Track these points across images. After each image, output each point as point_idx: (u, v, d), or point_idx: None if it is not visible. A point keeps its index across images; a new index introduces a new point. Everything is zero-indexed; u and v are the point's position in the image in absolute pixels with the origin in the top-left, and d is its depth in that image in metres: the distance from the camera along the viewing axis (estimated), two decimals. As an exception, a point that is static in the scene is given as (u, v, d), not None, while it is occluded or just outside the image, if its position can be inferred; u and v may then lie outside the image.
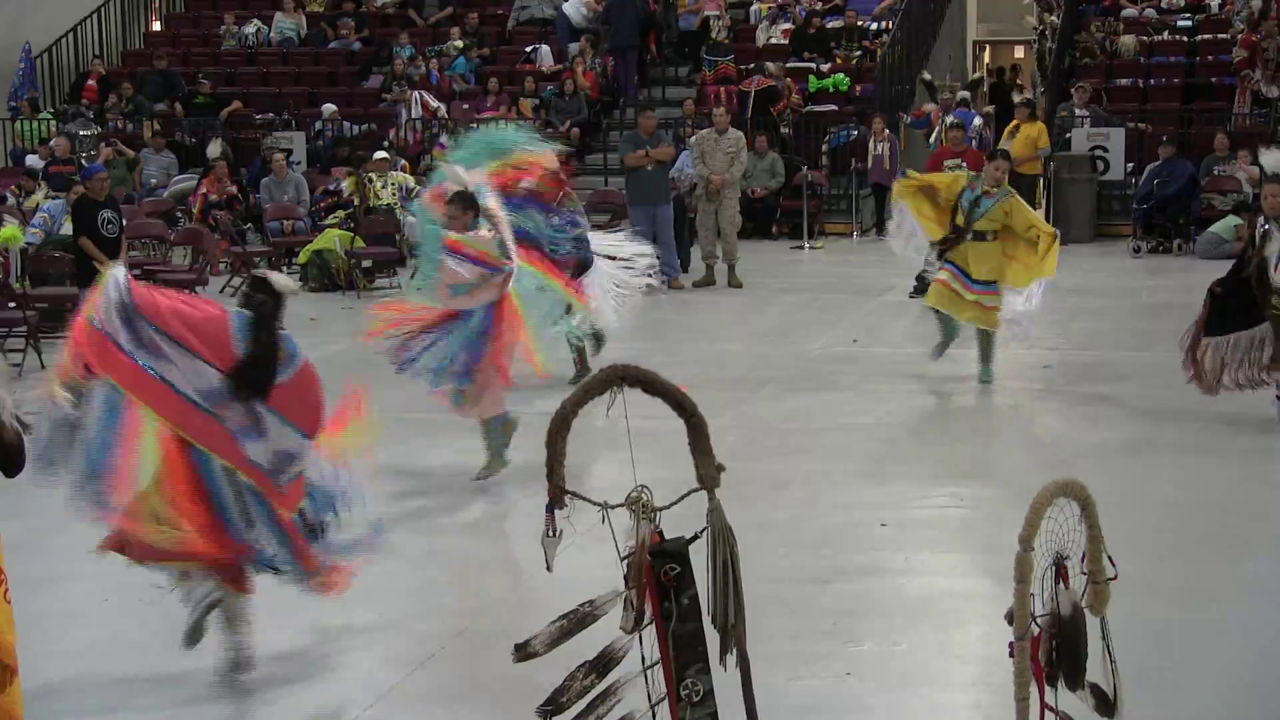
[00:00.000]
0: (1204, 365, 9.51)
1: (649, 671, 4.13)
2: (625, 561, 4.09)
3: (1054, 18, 22.99)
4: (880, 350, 12.01)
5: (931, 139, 19.18)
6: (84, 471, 5.26)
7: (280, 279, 5.77)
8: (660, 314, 14.22)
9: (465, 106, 21.84)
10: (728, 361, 12.00)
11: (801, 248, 18.91)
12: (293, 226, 17.83)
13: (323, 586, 5.78)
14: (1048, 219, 19.25)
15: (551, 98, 21.60)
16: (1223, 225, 17.19)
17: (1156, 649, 5.77)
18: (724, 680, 4.18)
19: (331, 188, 18.37)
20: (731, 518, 4.15)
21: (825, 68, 21.74)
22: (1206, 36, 21.61)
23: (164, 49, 23.93)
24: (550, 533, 4.12)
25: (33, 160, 20.02)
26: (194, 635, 5.74)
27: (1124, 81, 21.37)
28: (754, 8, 23.36)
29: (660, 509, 4.11)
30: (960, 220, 10.69)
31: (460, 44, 22.96)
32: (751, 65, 21.55)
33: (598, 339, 10.62)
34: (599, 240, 10.37)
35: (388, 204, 17.27)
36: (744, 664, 4.18)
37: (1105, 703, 4.17)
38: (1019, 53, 30.82)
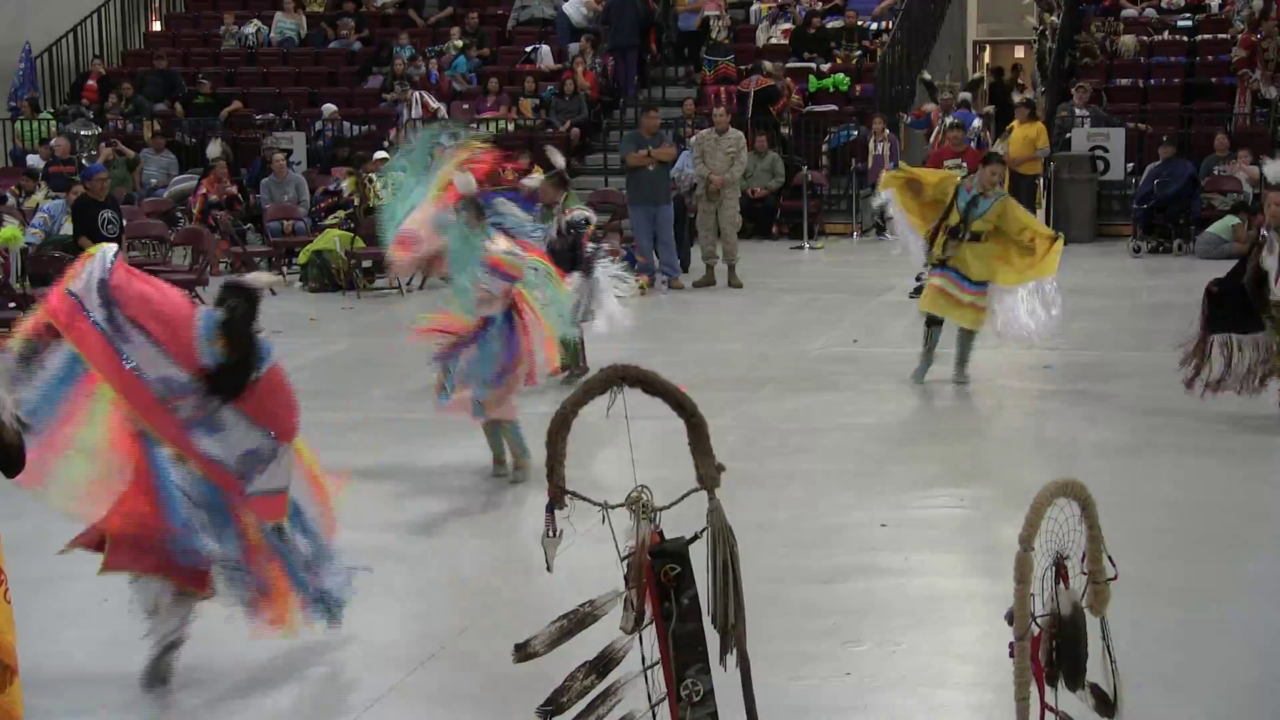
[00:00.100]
0: (1211, 363, 9.53)
1: (649, 671, 4.13)
2: (625, 561, 4.09)
3: (1054, 18, 22.99)
4: (880, 350, 12.01)
5: (931, 139, 19.19)
6: None
7: (254, 276, 5.75)
8: (660, 314, 14.24)
9: (465, 106, 21.84)
10: (728, 361, 12.00)
11: (801, 248, 18.91)
12: (293, 226, 17.84)
13: (262, 608, 5.65)
14: (1048, 219, 19.31)
15: (551, 98, 21.60)
16: (1221, 225, 17.19)
17: (1156, 649, 5.77)
18: (724, 680, 4.18)
19: (331, 188, 18.37)
20: (731, 518, 4.15)
21: (825, 68, 21.74)
22: (1206, 36, 21.61)
23: (164, 49, 23.92)
24: (550, 533, 4.12)
25: (33, 160, 20.02)
26: (155, 676, 5.64)
27: (1124, 81, 21.37)
28: (754, 8, 23.35)
29: (660, 509, 4.11)
30: (956, 220, 10.66)
31: (460, 43, 22.96)
32: (749, 66, 21.54)
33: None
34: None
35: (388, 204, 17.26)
36: (744, 664, 4.18)
37: (1105, 703, 4.17)
38: (1019, 53, 30.80)
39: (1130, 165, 19.49)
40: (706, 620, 4.13)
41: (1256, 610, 6.41)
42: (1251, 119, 19.86)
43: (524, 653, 4.10)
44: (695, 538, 4.14)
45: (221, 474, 5.55)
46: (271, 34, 24.20)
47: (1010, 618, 4.02)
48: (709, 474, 4.15)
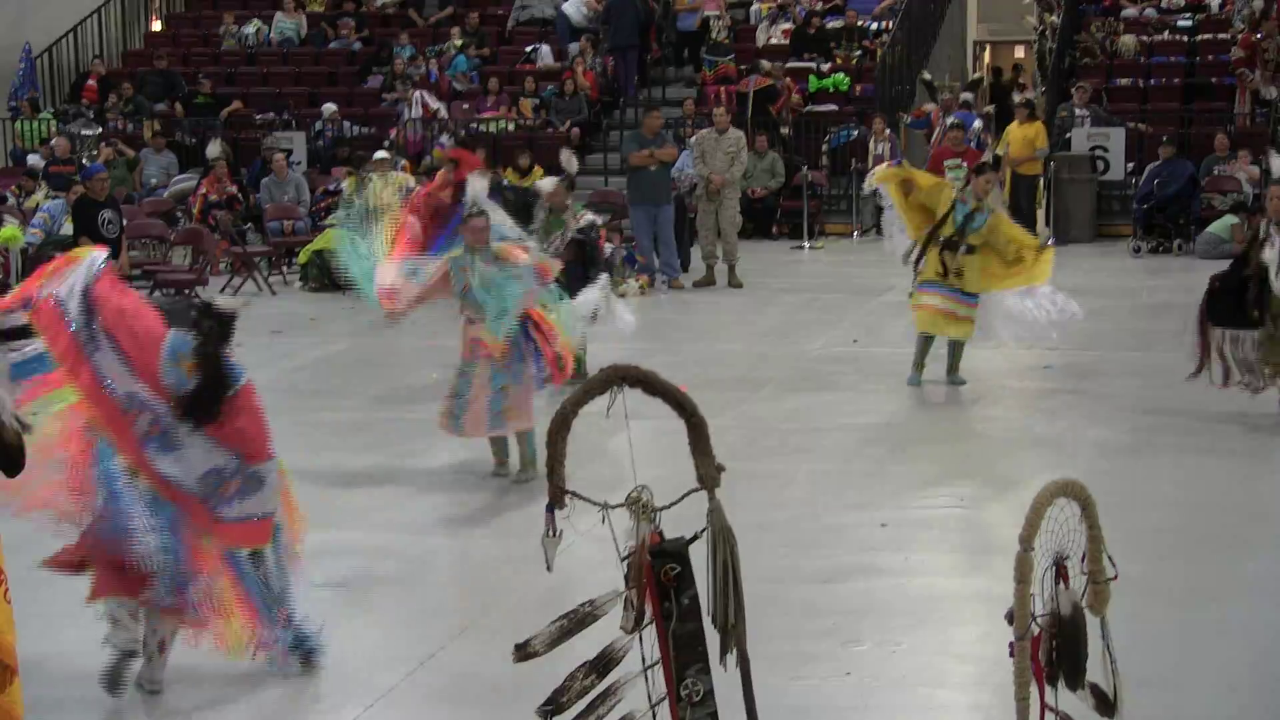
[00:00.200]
0: (1218, 355, 9.55)
1: (649, 671, 4.13)
2: (625, 561, 4.09)
3: (1054, 18, 22.98)
4: (880, 350, 12.01)
5: (933, 139, 19.20)
6: None
7: (226, 302, 5.75)
8: (660, 314, 14.23)
9: (465, 106, 21.84)
10: (728, 361, 12.00)
11: (801, 248, 18.91)
12: (293, 226, 17.83)
13: (206, 622, 5.58)
14: (1048, 219, 19.33)
15: (551, 98, 21.60)
16: (1220, 225, 17.18)
17: (1156, 649, 5.77)
18: (724, 680, 4.18)
19: (331, 188, 18.36)
20: (731, 518, 4.15)
21: (825, 68, 21.73)
22: (1206, 36, 21.60)
23: (164, 49, 23.92)
24: (550, 533, 4.12)
25: (33, 160, 20.02)
26: (112, 680, 5.64)
27: (1124, 81, 21.36)
28: (754, 8, 23.34)
29: (660, 509, 4.11)
30: (951, 233, 10.62)
31: (459, 42, 22.96)
32: (748, 65, 21.53)
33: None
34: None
35: (388, 204, 17.24)
36: (744, 664, 4.18)
37: (1105, 703, 4.17)
38: (1019, 53, 30.80)
39: (1130, 165, 19.48)
40: (706, 620, 4.13)
41: (1256, 610, 6.42)
42: (1251, 119, 19.86)
43: (524, 653, 4.10)
44: (695, 538, 4.14)
45: (175, 493, 5.52)
46: (271, 34, 24.19)
47: (1010, 618, 4.02)
48: (709, 474, 4.15)
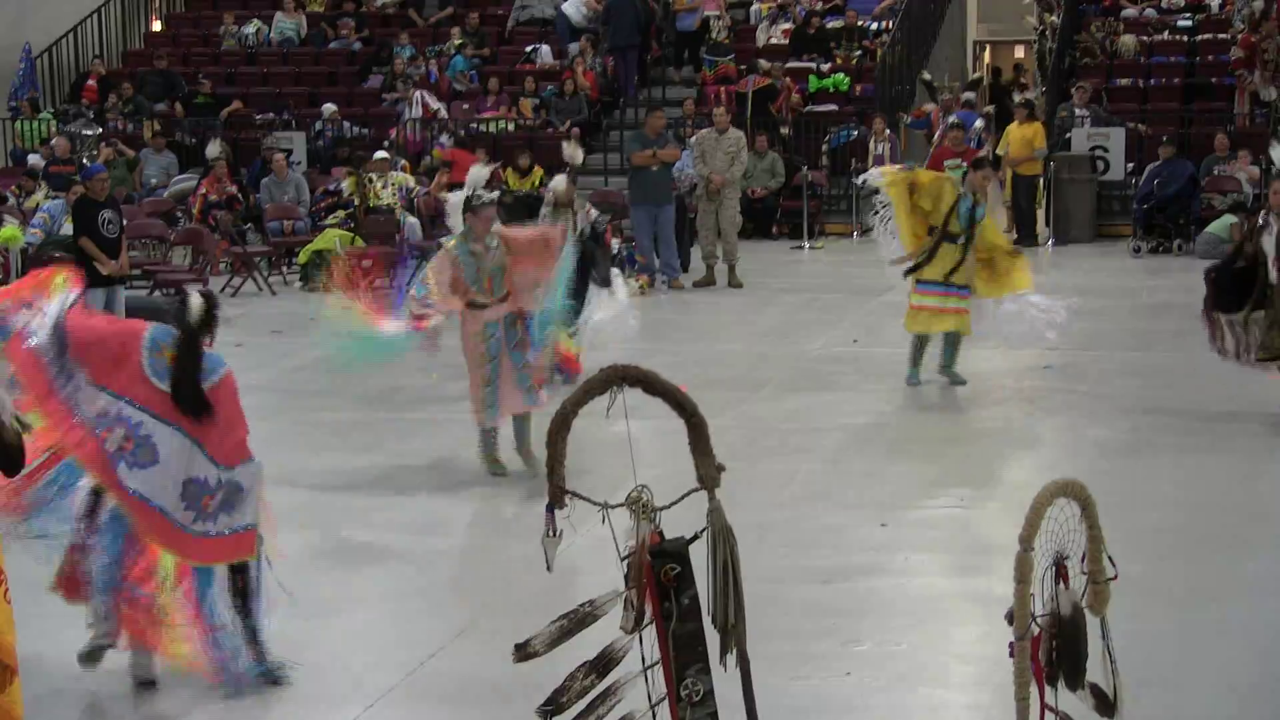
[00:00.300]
0: (1226, 342, 9.63)
1: (649, 671, 4.13)
2: (625, 561, 4.09)
3: (1054, 18, 22.98)
4: (880, 350, 12.01)
5: (934, 138, 19.20)
6: None
7: (192, 301, 5.71)
8: (660, 314, 14.23)
9: (465, 106, 21.84)
10: (728, 361, 12.00)
11: (801, 248, 18.91)
12: (293, 226, 17.83)
13: (137, 629, 5.58)
14: (1047, 219, 19.34)
15: (551, 98, 21.60)
16: (1219, 225, 17.18)
17: (1156, 649, 5.77)
18: (724, 680, 4.18)
19: (331, 188, 18.37)
20: (731, 518, 4.15)
21: (825, 68, 21.73)
22: (1206, 36, 21.60)
23: (164, 49, 23.91)
24: (550, 533, 4.12)
25: (33, 160, 20.02)
26: (89, 659, 5.70)
27: (1124, 81, 21.36)
28: (754, 8, 23.34)
29: (660, 509, 4.11)
30: (956, 228, 10.60)
31: (459, 42, 22.96)
32: (746, 65, 21.53)
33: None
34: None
35: (388, 204, 17.27)
36: (744, 664, 4.18)
37: (1105, 703, 4.17)
38: (1019, 53, 30.80)
39: (1130, 165, 19.48)
40: (706, 620, 4.13)
41: (1256, 610, 6.41)
42: (1250, 119, 19.86)
43: (524, 653, 4.10)
44: (695, 538, 4.14)
45: (144, 511, 5.51)
46: (271, 34, 24.19)
47: (1010, 618, 4.02)
48: (709, 474, 4.15)
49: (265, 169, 19.05)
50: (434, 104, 21.48)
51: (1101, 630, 4.12)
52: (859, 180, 11.72)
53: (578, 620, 4.12)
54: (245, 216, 18.59)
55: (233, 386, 5.68)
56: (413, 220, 17.24)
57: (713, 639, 4.15)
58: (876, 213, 11.07)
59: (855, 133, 20.33)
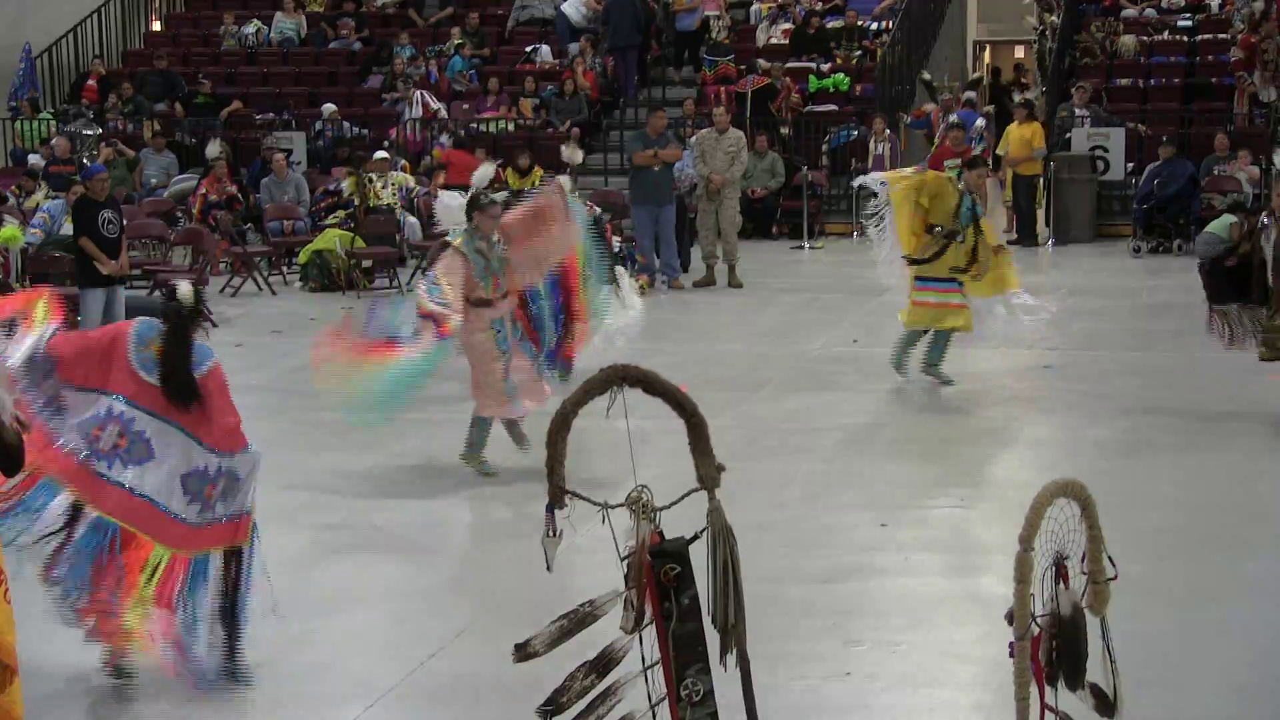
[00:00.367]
0: (1224, 332, 9.76)
1: (649, 671, 4.13)
2: (625, 561, 4.09)
3: (1054, 18, 22.99)
4: (880, 350, 11.99)
5: (935, 138, 19.19)
6: None
7: (181, 289, 5.76)
8: (660, 314, 14.22)
9: (465, 107, 21.84)
10: (728, 361, 12.00)
11: (801, 248, 18.91)
12: (293, 226, 17.83)
13: (94, 620, 5.60)
14: (1047, 219, 19.34)
15: (551, 98, 21.59)
16: (1218, 225, 17.05)
17: (1156, 649, 5.77)
18: (724, 680, 4.17)
19: (331, 188, 18.36)
20: (731, 518, 4.15)
21: (825, 68, 21.73)
22: (1206, 36, 21.61)
23: (164, 49, 23.91)
24: (550, 533, 4.12)
25: (33, 160, 20.02)
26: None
27: (1124, 81, 21.36)
28: (754, 8, 23.34)
29: (660, 509, 4.11)
30: (957, 227, 10.62)
31: (459, 42, 22.96)
32: (745, 66, 21.52)
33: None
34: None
35: (388, 204, 17.27)
36: (744, 664, 4.18)
37: (1105, 703, 4.17)
38: (1019, 53, 30.80)
39: (1130, 165, 19.48)
40: (706, 620, 4.13)
41: (1256, 610, 6.41)
42: (1249, 119, 19.87)
43: (524, 653, 4.10)
44: (695, 538, 4.14)
45: (136, 507, 5.52)
46: (271, 34, 24.19)
47: (1010, 618, 4.02)
48: (709, 474, 4.15)
49: (265, 169, 19.05)
50: (434, 104, 21.48)
51: (1101, 630, 4.12)
52: (855, 183, 11.69)
53: (578, 620, 4.12)
54: (245, 216, 18.59)
55: (221, 377, 5.73)
56: (413, 220, 17.24)
57: (713, 639, 4.15)
58: (873, 214, 11.06)
59: (855, 133, 20.33)
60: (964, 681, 5.72)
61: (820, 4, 22.97)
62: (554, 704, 4.08)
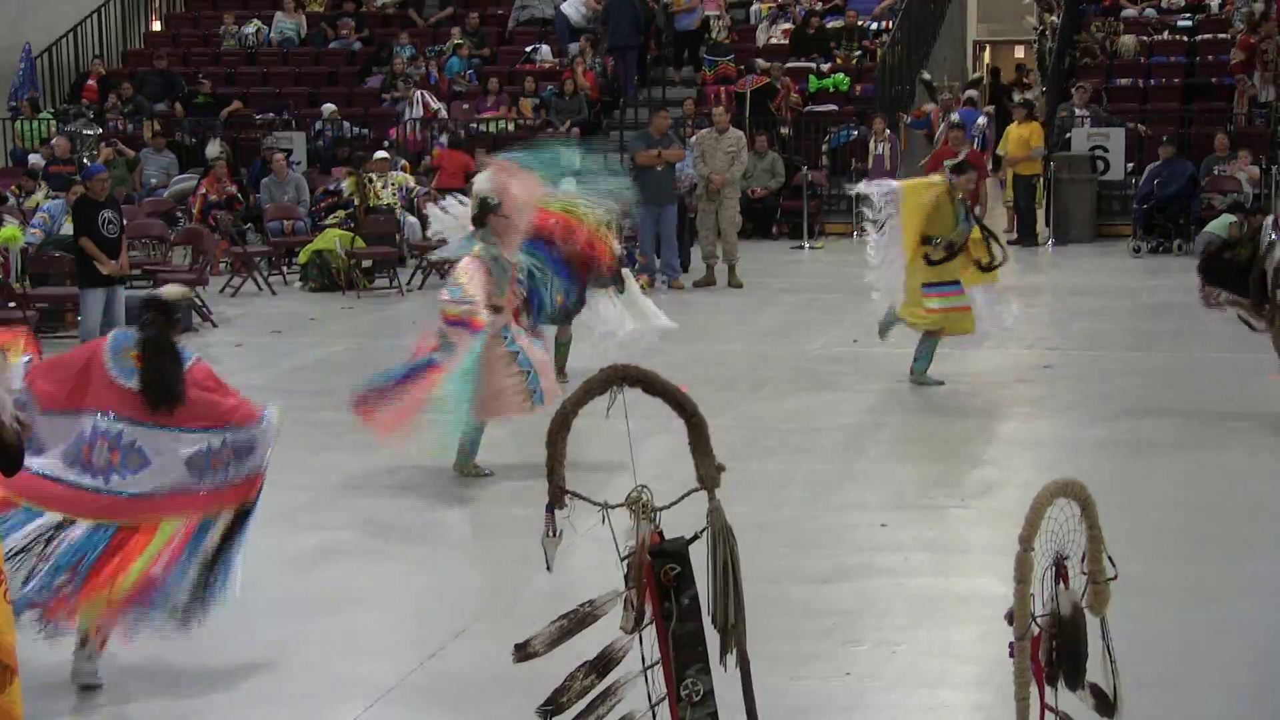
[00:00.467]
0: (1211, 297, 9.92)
1: (649, 671, 4.13)
2: (625, 561, 4.09)
3: (1054, 18, 23.00)
4: (880, 350, 11.99)
5: (935, 138, 19.19)
6: None
7: (168, 289, 5.81)
8: (660, 314, 14.21)
9: (465, 107, 21.84)
10: (728, 361, 12.00)
11: (801, 248, 18.91)
12: (293, 226, 17.83)
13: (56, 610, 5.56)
14: (1047, 219, 19.34)
15: (551, 98, 21.60)
16: (1218, 224, 17.03)
17: (1156, 649, 5.77)
18: (724, 680, 4.17)
19: (331, 188, 18.36)
20: (731, 518, 4.15)
21: (825, 68, 21.73)
22: (1206, 36, 21.62)
23: (164, 49, 23.92)
24: (550, 533, 4.12)
25: (33, 160, 20.02)
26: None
27: (1124, 81, 21.36)
28: (754, 8, 23.34)
29: (660, 509, 4.11)
30: (956, 236, 10.65)
31: (457, 42, 22.96)
32: (744, 66, 21.52)
33: None
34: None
35: (388, 204, 17.27)
36: (744, 664, 4.18)
37: (1105, 703, 4.17)
38: (1019, 53, 30.82)
39: (1130, 165, 19.48)
40: (706, 620, 4.13)
41: (1256, 610, 6.41)
42: (1249, 119, 19.86)
43: (524, 653, 4.10)
44: (695, 538, 4.14)
45: (144, 503, 5.55)
46: (271, 34, 24.19)
47: (1010, 618, 4.02)
48: (709, 474, 4.15)
49: (265, 169, 19.05)
50: (434, 104, 21.48)
51: (1101, 630, 4.12)
52: (855, 190, 11.68)
53: (578, 620, 4.12)
54: (245, 216, 18.59)
55: (206, 369, 5.76)
56: (413, 220, 17.24)
57: (713, 639, 4.15)
58: (874, 219, 11.05)
59: (855, 133, 20.33)
60: (964, 681, 5.72)
61: (820, 4, 22.98)
62: (554, 704, 4.08)
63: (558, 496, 4.09)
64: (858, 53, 21.94)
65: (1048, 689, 4.09)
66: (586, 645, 4.15)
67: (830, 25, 22.47)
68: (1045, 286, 16.04)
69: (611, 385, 4.14)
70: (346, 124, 21.53)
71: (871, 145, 19.53)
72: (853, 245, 19.07)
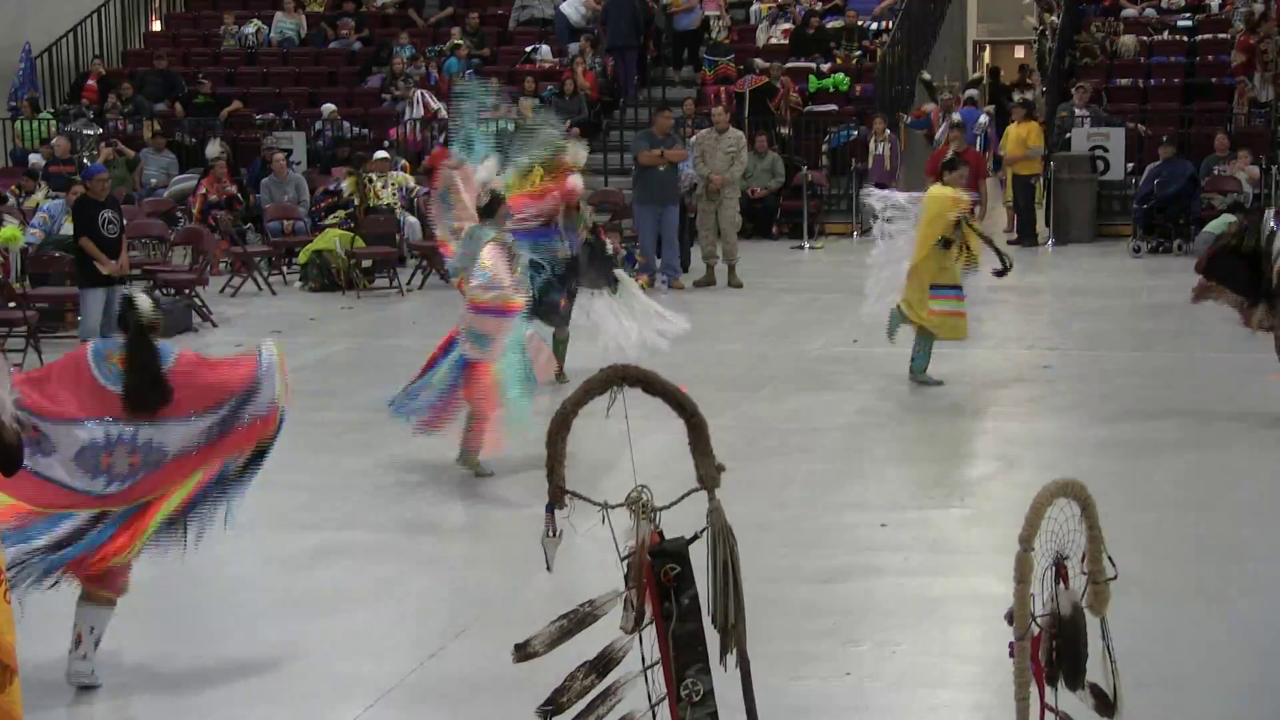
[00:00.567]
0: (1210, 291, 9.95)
1: (649, 671, 4.13)
2: (625, 561, 4.09)
3: (1054, 18, 23.00)
4: (880, 350, 11.99)
5: (936, 138, 19.18)
6: None
7: (139, 300, 5.83)
8: (660, 314, 14.21)
9: (465, 106, 21.80)
10: (728, 361, 12.00)
11: (801, 248, 18.91)
12: (293, 226, 17.83)
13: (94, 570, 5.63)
14: (1047, 219, 19.35)
15: (551, 98, 21.59)
16: (1218, 224, 17.10)
17: (1156, 649, 5.77)
18: (724, 680, 4.18)
19: (331, 188, 18.36)
20: (731, 518, 4.15)
21: (825, 68, 21.73)
22: (1206, 36, 21.61)
23: (164, 49, 23.91)
24: (550, 533, 4.12)
25: (33, 160, 20.01)
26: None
27: (1124, 81, 21.36)
28: (754, 8, 23.34)
29: (660, 509, 4.11)
30: (954, 236, 10.68)
31: (457, 42, 22.96)
32: (744, 66, 21.52)
33: None
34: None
35: (388, 204, 17.27)
36: (744, 664, 4.18)
37: (1105, 703, 4.17)
38: (1019, 53, 30.83)
39: (1130, 165, 19.48)
40: (706, 620, 4.13)
41: (1256, 610, 6.41)
42: (1249, 119, 19.86)
43: (524, 653, 4.11)
44: (695, 538, 4.14)
45: (152, 486, 5.59)
46: (271, 34, 24.19)
47: (1010, 618, 4.02)
48: (709, 474, 4.15)
49: (265, 169, 19.04)
50: (434, 104, 21.47)
51: (1101, 630, 4.12)
52: (874, 202, 11.66)
53: (578, 620, 4.12)
54: (245, 216, 18.59)
55: (190, 358, 5.80)
56: (413, 220, 17.24)
57: (713, 639, 4.15)
58: (888, 219, 11.06)
59: (855, 133, 20.33)
60: (964, 681, 5.72)
61: (820, 4, 22.97)
62: (554, 704, 4.08)
63: (558, 496, 4.09)
64: (858, 53, 21.94)
65: (1048, 689, 4.09)
66: (586, 645, 4.15)
67: (830, 25, 22.46)
68: (1045, 286, 16.04)
69: (611, 385, 4.14)
70: (346, 124, 21.52)
71: (871, 145, 19.53)
72: (853, 245, 19.12)
